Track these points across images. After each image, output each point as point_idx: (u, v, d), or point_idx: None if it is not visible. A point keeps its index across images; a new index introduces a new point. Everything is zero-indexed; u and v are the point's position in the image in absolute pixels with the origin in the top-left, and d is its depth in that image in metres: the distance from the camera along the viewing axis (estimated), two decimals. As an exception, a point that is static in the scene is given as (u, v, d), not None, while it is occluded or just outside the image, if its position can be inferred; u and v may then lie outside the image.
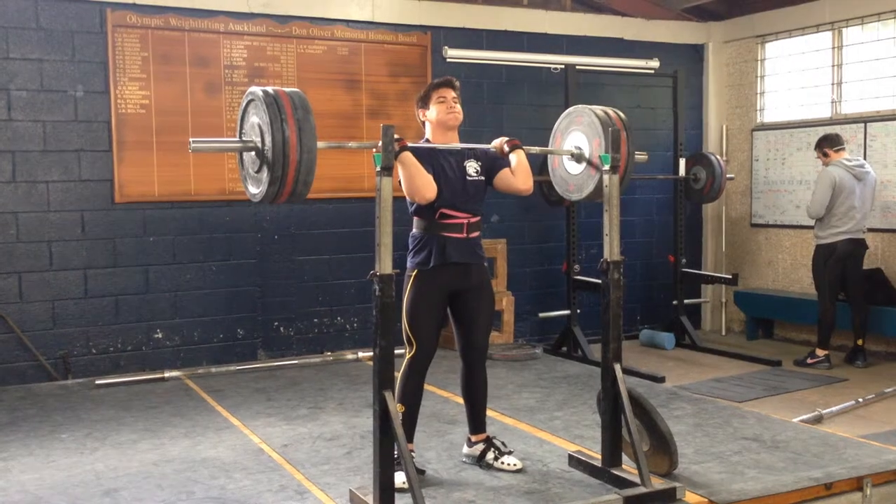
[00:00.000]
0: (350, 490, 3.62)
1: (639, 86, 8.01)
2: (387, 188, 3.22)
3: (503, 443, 4.06)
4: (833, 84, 7.54)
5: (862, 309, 6.75)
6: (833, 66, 7.53)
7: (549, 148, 4.12)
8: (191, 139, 3.17)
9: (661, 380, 6.15)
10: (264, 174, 3.10)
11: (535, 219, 7.59)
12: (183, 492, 3.78)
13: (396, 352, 3.35)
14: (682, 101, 7.63)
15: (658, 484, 3.60)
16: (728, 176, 7.62)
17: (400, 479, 3.45)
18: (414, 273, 3.82)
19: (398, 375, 3.72)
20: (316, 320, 6.85)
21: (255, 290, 6.63)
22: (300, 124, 3.05)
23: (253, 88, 3.18)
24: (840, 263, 6.69)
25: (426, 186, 3.64)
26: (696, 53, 8.43)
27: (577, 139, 3.96)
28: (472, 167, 3.90)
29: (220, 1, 6.41)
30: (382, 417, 3.28)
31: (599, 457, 3.87)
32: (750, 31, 8.16)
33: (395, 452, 3.35)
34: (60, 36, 5.97)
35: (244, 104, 3.23)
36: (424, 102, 3.95)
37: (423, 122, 3.98)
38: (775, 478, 3.79)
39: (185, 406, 5.28)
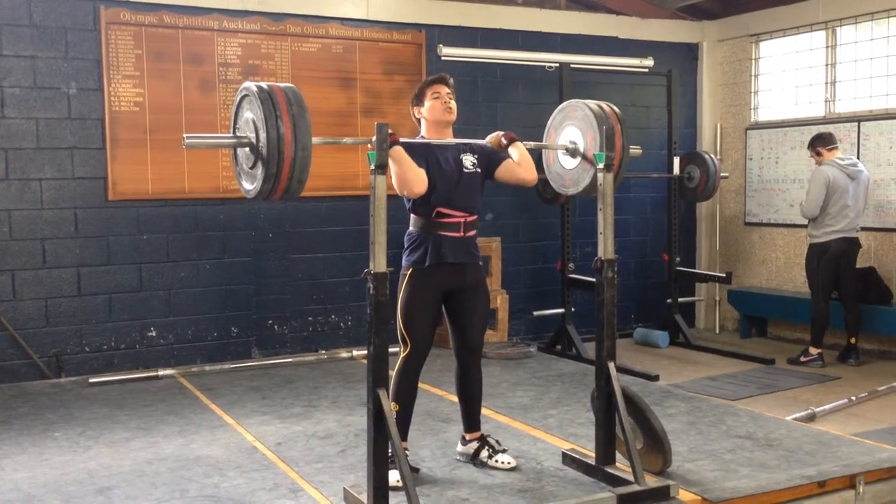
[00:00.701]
0: (344, 488, 3.61)
1: (633, 84, 8.02)
2: (381, 186, 3.22)
3: (497, 441, 4.06)
4: (826, 83, 7.56)
5: (855, 308, 6.77)
6: (826, 65, 7.54)
7: (544, 143, 4.11)
8: (184, 135, 3.16)
9: (655, 378, 6.16)
10: (259, 171, 3.09)
11: (530, 217, 7.59)
12: (177, 490, 3.77)
13: (391, 350, 3.35)
14: (676, 99, 7.65)
15: (652, 482, 3.60)
16: (722, 175, 7.64)
17: (394, 477, 3.44)
18: (409, 272, 3.82)
19: (392, 374, 3.71)
20: (310, 318, 6.84)
21: (250, 288, 6.63)
22: (295, 121, 3.04)
23: (247, 84, 3.17)
24: (833, 262, 6.70)
25: (416, 181, 3.62)
26: (690, 52, 8.44)
27: (572, 134, 3.96)
28: (468, 160, 3.89)
29: (215, -2, 6.40)
30: (376, 416, 3.28)
31: (593, 455, 3.87)
32: (744, 30, 8.17)
33: (390, 451, 3.35)
34: (54, 33, 5.96)
35: (238, 99, 3.22)
36: (419, 99, 3.94)
37: (419, 120, 3.97)
38: (768, 476, 3.79)
39: (178, 404, 5.27)
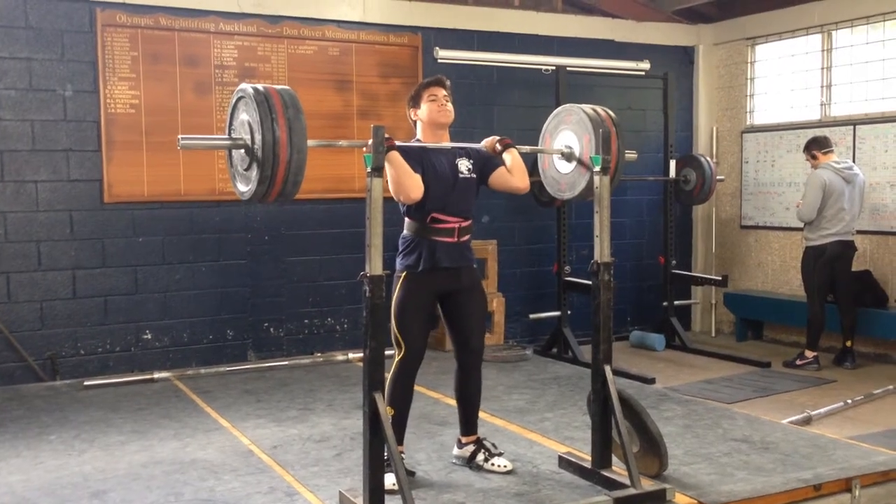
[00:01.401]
0: (340, 492, 3.60)
1: (629, 87, 8.02)
2: (377, 189, 3.22)
3: (493, 444, 4.06)
4: (822, 86, 7.57)
5: (851, 311, 6.78)
6: (822, 68, 7.56)
7: (539, 147, 4.11)
8: (179, 136, 3.14)
9: (652, 381, 6.15)
10: (253, 172, 3.08)
11: (526, 220, 7.59)
12: (171, 494, 3.76)
13: (387, 353, 3.34)
14: (672, 102, 7.65)
15: (648, 485, 3.60)
16: (718, 178, 7.65)
17: (390, 480, 3.44)
18: (403, 275, 3.81)
19: (388, 378, 3.70)
20: (306, 321, 6.83)
21: (245, 290, 6.62)
22: (290, 123, 3.03)
23: (243, 85, 3.16)
24: (829, 265, 6.71)
25: (412, 186, 3.61)
26: (686, 55, 8.45)
27: (567, 138, 3.96)
28: (463, 165, 3.88)
29: (211, 1, 6.38)
30: (372, 419, 3.27)
31: (589, 458, 3.87)
32: (740, 33, 8.18)
33: (385, 454, 3.34)
34: (49, 35, 5.94)
35: (234, 100, 3.21)
36: (415, 101, 3.93)
37: (415, 122, 3.97)
38: (765, 479, 3.79)
39: (174, 407, 5.26)
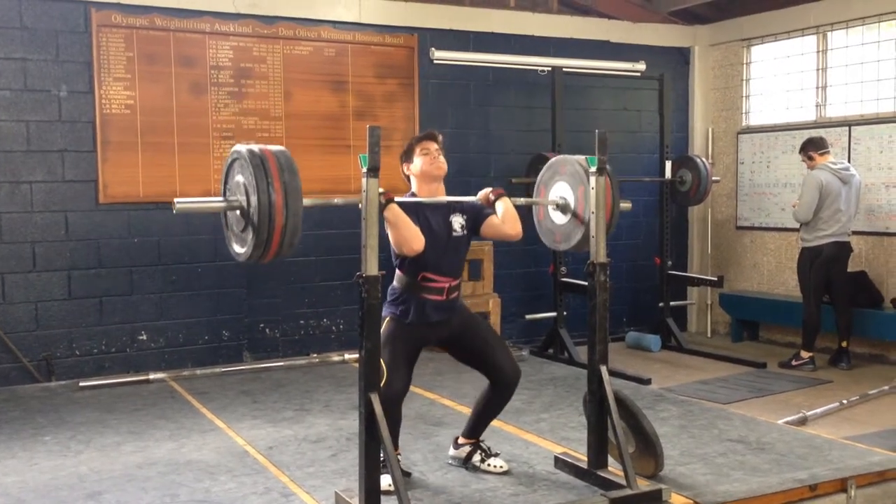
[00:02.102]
0: (336, 492, 3.60)
1: (625, 88, 8.04)
2: (373, 189, 3.21)
3: (489, 446, 4.05)
4: (818, 87, 7.59)
5: (846, 311, 6.79)
6: (818, 69, 7.57)
7: (534, 198, 4.12)
8: (175, 200, 3.10)
9: (648, 382, 6.16)
10: (249, 236, 3.07)
11: (522, 220, 7.57)
12: (167, 494, 3.75)
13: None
14: (668, 103, 7.66)
15: (644, 486, 3.60)
16: (714, 178, 7.66)
17: (386, 481, 3.43)
18: (388, 318, 3.78)
19: None
20: (302, 322, 6.82)
21: (241, 291, 6.61)
22: (286, 187, 3.00)
23: (238, 147, 3.13)
24: (825, 266, 6.72)
25: (414, 238, 3.60)
26: (682, 56, 8.46)
27: (562, 189, 3.97)
28: (457, 222, 3.88)
29: (206, 1, 6.38)
30: (368, 420, 3.27)
31: (585, 459, 3.87)
32: (736, 34, 8.19)
33: (381, 455, 3.34)
34: (44, 35, 5.93)
35: (229, 161, 3.19)
36: (408, 156, 3.92)
37: (408, 177, 3.95)
38: (760, 479, 3.80)
39: (169, 408, 5.25)
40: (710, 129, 8.50)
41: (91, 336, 6.15)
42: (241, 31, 6.50)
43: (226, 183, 3.22)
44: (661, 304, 7.74)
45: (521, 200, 4.07)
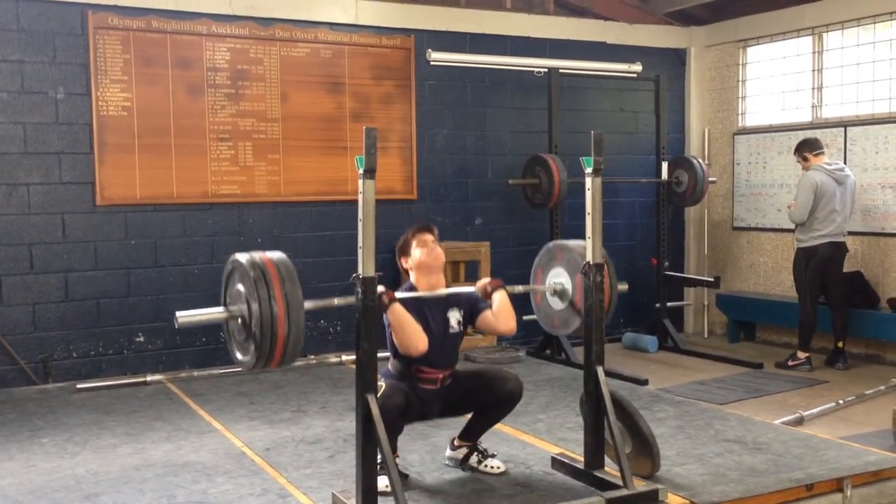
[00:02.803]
0: (333, 494, 3.60)
1: (621, 89, 8.05)
2: (369, 191, 3.22)
3: (486, 447, 4.06)
4: (813, 88, 7.60)
5: (842, 312, 6.80)
6: (813, 70, 7.59)
7: (531, 286, 4.12)
8: (177, 313, 3.10)
9: (644, 382, 6.17)
10: (251, 346, 3.08)
11: (519, 221, 7.60)
12: (164, 496, 3.75)
13: (379, 355, 3.34)
14: (664, 104, 7.67)
15: (640, 486, 3.61)
16: (710, 179, 7.66)
17: (383, 482, 3.44)
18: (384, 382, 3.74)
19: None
20: (299, 323, 6.81)
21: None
22: (288, 298, 3.00)
23: (237, 257, 3.14)
24: (821, 266, 6.73)
25: (418, 339, 3.61)
26: (678, 58, 8.47)
27: (559, 275, 3.97)
28: (454, 318, 3.89)
29: (203, 3, 6.38)
30: (365, 421, 3.27)
31: (582, 459, 3.88)
32: (732, 35, 8.21)
33: (379, 456, 3.34)
34: (41, 37, 5.93)
35: (228, 270, 3.20)
36: (405, 250, 3.93)
37: (407, 271, 3.95)
38: (757, 479, 3.81)
39: (166, 410, 5.25)
40: (706, 130, 8.52)
41: (88, 338, 6.15)
42: (237, 32, 6.50)
43: (226, 290, 3.22)
44: (657, 305, 7.75)
45: (520, 289, 4.06)
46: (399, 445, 4.00)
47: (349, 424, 4.52)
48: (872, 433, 5.03)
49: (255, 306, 3.01)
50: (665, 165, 7.59)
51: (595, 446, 3.81)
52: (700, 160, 7.65)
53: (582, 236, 3.86)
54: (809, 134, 7.19)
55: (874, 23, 7.08)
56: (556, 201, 6.88)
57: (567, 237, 7.23)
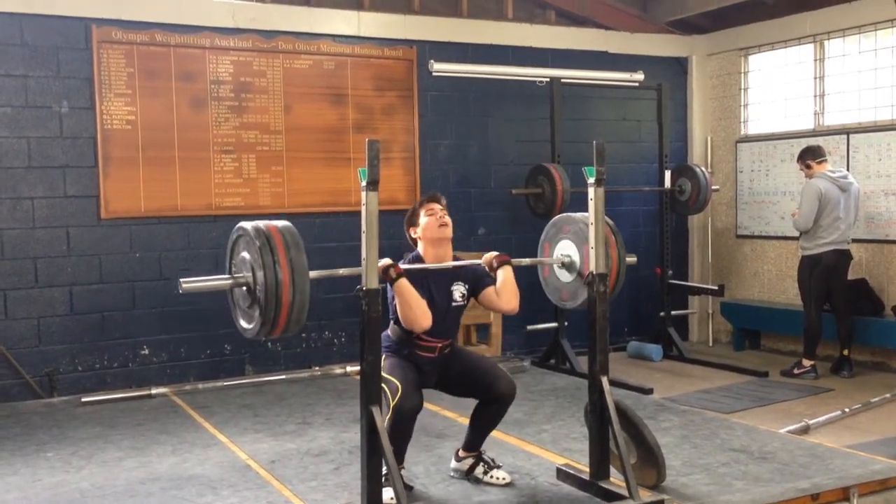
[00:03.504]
0: (338, 506, 3.60)
1: (624, 98, 8.05)
2: (373, 203, 3.23)
3: (492, 457, 4.05)
4: (815, 96, 7.61)
5: (847, 319, 6.78)
6: (815, 78, 7.59)
7: (539, 258, 4.11)
8: (181, 280, 3.10)
9: (649, 391, 6.15)
10: (256, 313, 3.08)
11: (522, 231, 7.58)
12: (170, 510, 3.76)
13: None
14: (666, 113, 7.67)
15: (646, 496, 3.60)
16: (713, 187, 7.66)
17: (388, 495, 3.44)
18: (385, 354, 3.78)
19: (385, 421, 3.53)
20: (303, 335, 6.82)
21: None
22: (293, 264, 3.02)
23: (243, 224, 3.15)
24: (825, 274, 6.72)
25: (423, 316, 3.63)
26: (680, 66, 8.49)
27: (566, 247, 3.97)
28: (458, 292, 3.91)
29: (206, 16, 6.41)
30: (370, 433, 3.27)
31: (587, 470, 3.87)
32: (733, 43, 8.22)
33: (384, 468, 3.34)
34: (45, 52, 5.96)
35: (234, 238, 3.21)
36: (413, 220, 3.96)
37: (415, 241, 3.97)
38: (763, 489, 3.80)
39: (171, 423, 5.25)
40: (708, 138, 8.52)
41: (93, 351, 6.15)
42: (240, 45, 6.53)
43: (231, 259, 3.23)
44: (662, 314, 7.74)
45: (526, 261, 4.07)
46: (405, 457, 4.00)
47: (354, 436, 4.52)
48: (878, 441, 5.02)
49: (259, 274, 3.01)
50: (668, 174, 7.59)
51: (600, 457, 3.80)
52: (703, 168, 7.65)
53: (585, 246, 3.86)
54: (812, 141, 7.18)
55: (875, 30, 7.08)
56: (560, 211, 6.87)
57: (571, 246, 7.29)
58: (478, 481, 3.97)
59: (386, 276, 3.42)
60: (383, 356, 3.75)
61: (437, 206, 3.93)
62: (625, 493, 3.59)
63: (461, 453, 4.06)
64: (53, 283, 6.03)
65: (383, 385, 3.57)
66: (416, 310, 3.60)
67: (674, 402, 5.84)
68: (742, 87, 8.24)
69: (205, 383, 6.19)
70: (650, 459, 3.79)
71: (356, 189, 6.76)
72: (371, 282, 3.23)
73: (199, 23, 6.38)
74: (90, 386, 6.10)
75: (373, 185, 3.23)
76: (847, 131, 7.27)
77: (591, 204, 3.77)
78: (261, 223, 3.11)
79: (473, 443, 4.03)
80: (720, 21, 8.21)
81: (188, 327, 6.43)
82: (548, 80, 7.20)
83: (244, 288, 3.13)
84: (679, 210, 7.78)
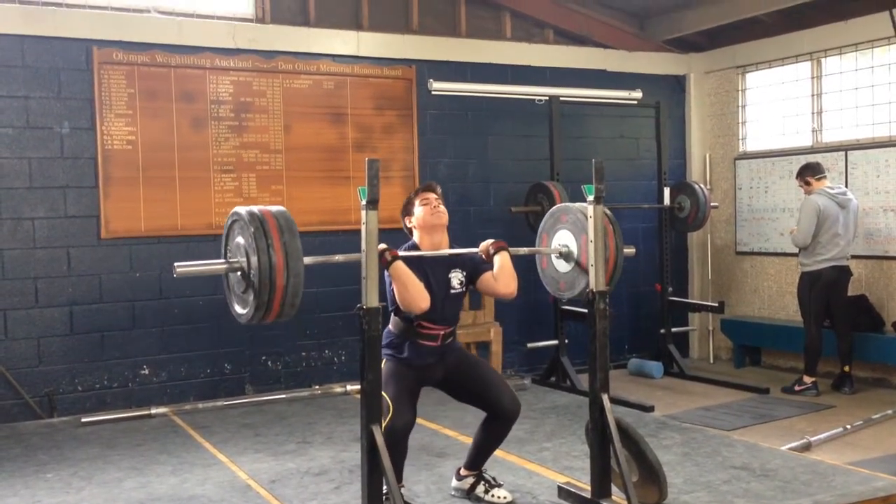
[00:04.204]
0: (339, 526, 3.59)
1: (622, 116, 8.09)
2: (372, 221, 3.24)
3: (493, 476, 4.04)
4: (813, 113, 7.64)
5: (847, 335, 6.78)
6: (813, 95, 7.63)
7: (536, 248, 4.12)
8: (175, 264, 3.12)
9: (650, 409, 6.14)
10: (250, 297, 3.09)
11: (522, 272, 7.59)
12: (170, 530, 3.74)
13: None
14: (664, 130, 7.70)
15: (648, 514, 3.59)
16: (712, 204, 7.68)
17: (388, 513, 3.42)
18: (386, 359, 3.80)
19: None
20: (304, 354, 6.82)
21: (242, 324, 6.59)
22: (287, 248, 3.03)
23: (238, 209, 3.16)
24: (825, 290, 6.72)
25: (420, 297, 3.62)
26: (678, 84, 8.53)
27: (564, 237, 3.98)
28: (456, 279, 3.92)
29: (206, 37, 6.45)
30: (370, 452, 3.26)
31: (589, 488, 3.86)
32: (731, 61, 8.26)
33: (384, 487, 3.33)
34: (46, 73, 6.00)
35: (229, 223, 3.22)
36: (408, 209, 3.98)
37: (410, 230, 3.99)
38: (765, 506, 3.79)
39: (171, 443, 5.24)
40: (707, 156, 8.55)
41: (93, 371, 6.15)
42: (240, 66, 6.57)
43: (226, 244, 3.24)
44: (662, 331, 7.73)
45: (524, 250, 4.07)
46: (405, 475, 3.98)
47: (354, 455, 4.52)
48: (880, 458, 5.00)
49: (254, 258, 3.02)
50: (667, 191, 7.62)
51: (601, 475, 3.79)
52: (702, 185, 7.67)
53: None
54: (810, 158, 7.20)
55: (872, 48, 7.12)
56: (559, 228, 6.88)
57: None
58: (479, 500, 3.96)
59: (382, 261, 3.41)
60: (383, 360, 3.75)
61: (432, 196, 3.95)
62: (626, 511, 3.58)
63: (462, 472, 4.05)
64: (53, 303, 6.03)
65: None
66: (412, 291, 3.59)
67: (675, 419, 5.83)
68: (740, 104, 8.28)
69: (205, 403, 6.18)
70: (651, 477, 3.78)
71: (356, 208, 6.78)
72: (371, 300, 3.24)
73: (199, 43, 6.42)
74: (90, 406, 6.09)
75: (372, 203, 3.24)
76: (845, 148, 7.30)
77: (590, 222, 3.79)
78: (255, 208, 3.13)
79: (475, 461, 4.02)
80: (717, 39, 8.26)
81: (188, 347, 6.42)
82: (546, 98, 7.24)
83: (239, 273, 3.14)
84: (678, 227, 7.80)
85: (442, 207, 3.93)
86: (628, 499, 3.57)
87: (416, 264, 3.74)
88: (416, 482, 4.24)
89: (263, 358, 6.68)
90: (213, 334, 6.51)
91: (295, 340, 6.77)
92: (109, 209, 6.15)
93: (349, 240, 6.76)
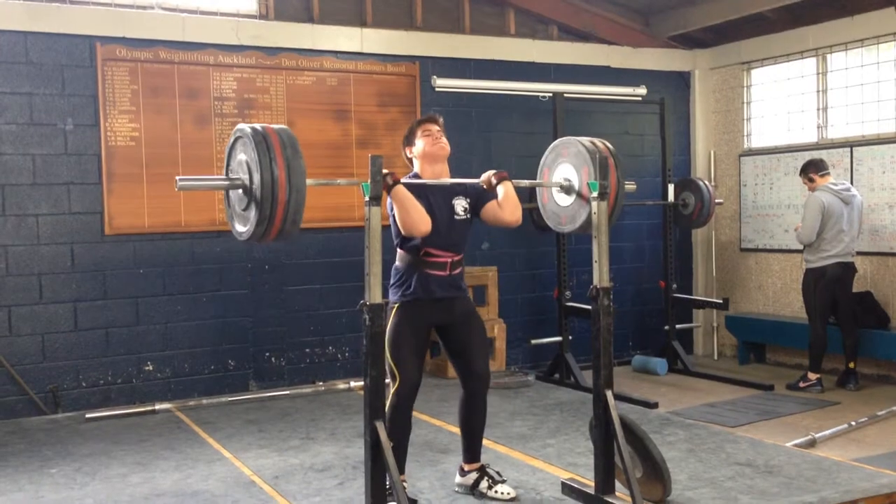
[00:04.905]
0: (342, 521, 3.59)
1: (627, 113, 8.08)
2: (375, 218, 3.24)
3: (497, 472, 4.04)
4: (818, 109, 7.62)
5: (852, 332, 6.77)
6: (818, 91, 7.60)
7: (538, 181, 4.12)
8: (177, 177, 3.16)
9: (654, 405, 6.13)
10: (252, 213, 3.08)
11: (526, 245, 7.60)
12: (173, 526, 3.74)
13: (387, 381, 3.34)
14: (669, 127, 7.69)
15: (652, 511, 3.59)
16: (717, 201, 7.67)
17: (392, 509, 3.42)
18: (396, 305, 3.82)
19: (386, 409, 3.66)
20: (307, 350, 6.83)
21: (246, 320, 6.62)
22: (289, 162, 3.03)
23: (241, 125, 3.18)
24: (830, 287, 6.71)
25: (421, 220, 3.62)
26: (682, 80, 8.51)
27: (566, 171, 3.97)
28: (460, 206, 3.91)
29: (210, 33, 6.45)
30: (374, 448, 3.27)
31: (593, 484, 3.86)
32: (735, 57, 8.24)
33: (388, 483, 3.33)
34: (50, 70, 6.00)
35: (232, 140, 3.22)
36: (409, 139, 3.97)
37: (411, 160, 3.99)
38: (769, 503, 3.77)
39: (175, 438, 5.24)
40: (711, 152, 8.53)
41: (97, 367, 6.16)
42: (244, 62, 6.56)
43: (228, 163, 3.24)
44: (666, 328, 7.73)
45: (525, 182, 4.06)
46: (408, 472, 3.99)
47: (358, 451, 4.52)
48: (885, 455, 4.99)
49: (256, 175, 3.02)
50: (671, 187, 7.61)
51: (605, 471, 3.78)
52: (706, 182, 7.66)
53: (590, 259, 3.86)
54: (815, 154, 7.19)
55: (877, 43, 7.10)
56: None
57: (575, 260, 7.31)
58: (482, 496, 3.96)
59: (384, 184, 3.41)
60: (393, 307, 3.78)
61: (434, 127, 3.95)
62: (630, 507, 3.57)
63: (465, 467, 4.05)
64: (58, 300, 6.04)
65: (386, 351, 3.63)
66: (413, 214, 3.59)
67: (679, 415, 5.82)
68: (745, 100, 8.26)
69: (209, 399, 6.19)
70: (656, 473, 3.78)
71: (359, 204, 6.76)
72: (374, 296, 3.24)
73: (202, 40, 6.41)
74: (94, 402, 6.10)
75: (376, 200, 3.24)
76: (850, 144, 7.28)
77: (594, 217, 3.78)
78: (258, 125, 3.12)
79: (469, 449, 4.02)
80: (722, 35, 8.23)
81: (192, 343, 6.43)
82: (550, 94, 7.23)
83: (240, 190, 3.14)
84: (683, 224, 7.79)
85: (444, 139, 3.93)
86: (632, 495, 3.57)
87: (417, 192, 3.73)
88: (420, 478, 4.24)
89: (267, 354, 6.68)
90: (217, 330, 6.52)
91: (298, 337, 6.78)
92: (113, 205, 6.16)
93: (353, 236, 6.78)
